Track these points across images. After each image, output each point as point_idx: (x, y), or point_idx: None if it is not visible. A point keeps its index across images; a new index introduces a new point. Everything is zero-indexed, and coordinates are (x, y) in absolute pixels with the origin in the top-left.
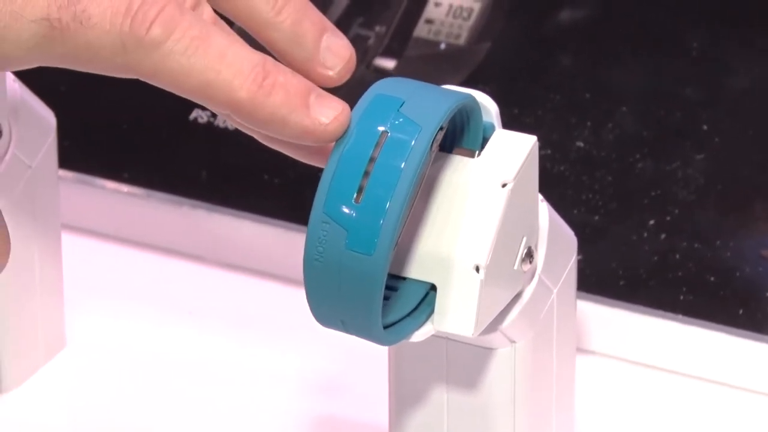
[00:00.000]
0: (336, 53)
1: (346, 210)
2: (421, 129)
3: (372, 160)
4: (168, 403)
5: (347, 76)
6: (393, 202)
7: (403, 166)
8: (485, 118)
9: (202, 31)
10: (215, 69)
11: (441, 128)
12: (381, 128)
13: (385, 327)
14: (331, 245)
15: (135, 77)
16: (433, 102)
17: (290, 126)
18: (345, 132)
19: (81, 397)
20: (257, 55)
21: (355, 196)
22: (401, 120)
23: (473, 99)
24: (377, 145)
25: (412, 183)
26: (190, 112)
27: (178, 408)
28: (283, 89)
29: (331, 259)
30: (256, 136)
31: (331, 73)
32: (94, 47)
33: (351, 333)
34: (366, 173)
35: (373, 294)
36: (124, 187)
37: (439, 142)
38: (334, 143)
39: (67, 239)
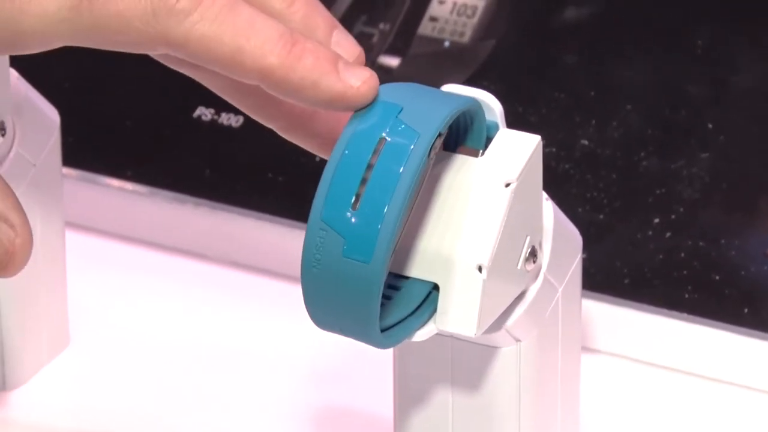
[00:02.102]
0: (346, 49)
1: (343, 217)
2: (419, 136)
3: (370, 167)
4: (173, 401)
5: None
6: (390, 211)
7: (400, 173)
8: (489, 117)
9: (229, 0)
10: (245, 35)
11: (440, 134)
12: (379, 135)
13: (387, 328)
14: (329, 252)
15: (164, 50)
16: (433, 108)
17: (322, 89)
18: (342, 138)
19: (85, 395)
20: (283, 25)
21: (352, 203)
22: (400, 127)
23: (475, 102)
24: (375, 152)
25: (410, 191)
26: (193, 110)
27: (183, 405)
28: (312, 54)
29: (328, 267)
30: (275, 128)
31: None
32: (125, 16)
33: (349, 337)
34: (364, 180)
35: (371, 301)
36: (128, 185)
37: (437, 149)
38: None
39: (71, 237)
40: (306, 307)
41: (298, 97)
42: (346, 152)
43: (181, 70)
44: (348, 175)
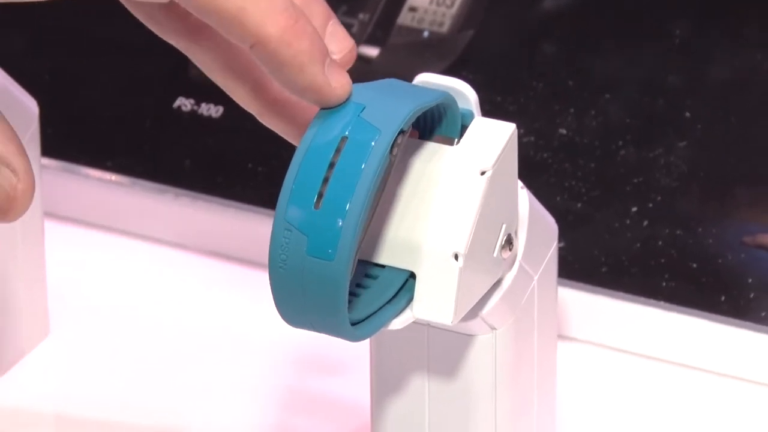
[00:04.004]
0: (339, 41)
1: (306, 216)
2: (380, 133)
3: (332, 165)
4: (152, 388)
5: (348, 65)
6: (352, 208)
7: (361, 170)
8: (464, 106)
9: None
10: None
11: (402, 131)
12: (341, 134)
13: (365, 318)
14: (294, 252)
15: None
16: (396, 105)
17: (305, 75)
18: (305, 138)
19: (65, 385)
20: (289, 1)
21: (315, 201)
22: (361, 125)
23: (446, 96)
24: (337, 150)
25: (371, 188)
26: (173, 101)
27: (163, 392)
28: (310, 39)
29: (294, 266)
30: (255, 112)
31: (335, 56)
32: None
33: (321, 332)
34: (326, 179)
35: (337, 298)
36: (108, 176)
37: (402, 144)
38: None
39: (51, 228)
40: (276, 307)
41: (281, 73)
42: (309, 152)
43: (174, 42)
44: (310, 175)
